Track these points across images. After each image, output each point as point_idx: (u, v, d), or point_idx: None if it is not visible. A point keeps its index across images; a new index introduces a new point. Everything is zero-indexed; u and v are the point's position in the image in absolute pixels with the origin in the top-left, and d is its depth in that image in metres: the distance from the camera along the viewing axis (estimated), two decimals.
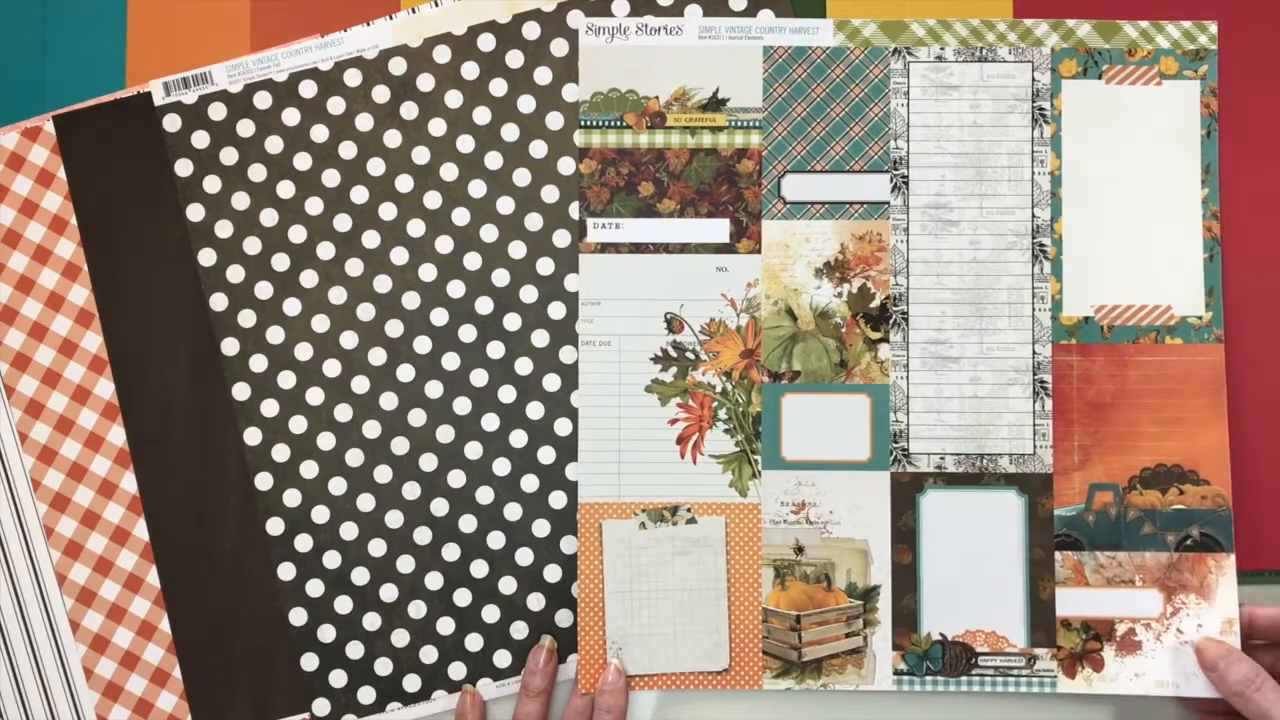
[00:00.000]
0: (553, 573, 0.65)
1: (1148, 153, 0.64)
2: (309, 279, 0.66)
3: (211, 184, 0.66)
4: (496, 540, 0.65)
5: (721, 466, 0.64)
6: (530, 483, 0.65)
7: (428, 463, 0.65)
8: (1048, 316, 0.64)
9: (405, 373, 0.65)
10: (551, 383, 0.65)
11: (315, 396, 0.65)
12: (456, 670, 0.65)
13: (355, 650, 0.65)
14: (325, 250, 0.66)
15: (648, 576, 0.63)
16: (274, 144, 0.66)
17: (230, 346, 0.65)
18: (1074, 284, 0.64)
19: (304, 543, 0.65)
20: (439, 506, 0.65)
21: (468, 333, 0.65)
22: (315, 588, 0.65)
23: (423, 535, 0.65)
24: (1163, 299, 0.64)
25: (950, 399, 0.64)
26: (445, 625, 0.65)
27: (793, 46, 0.64)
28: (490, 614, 0.65)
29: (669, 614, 0.63)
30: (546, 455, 0.65)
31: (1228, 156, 0.64)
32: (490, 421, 0.65)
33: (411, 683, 0.65)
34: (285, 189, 0.66)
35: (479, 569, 0.65)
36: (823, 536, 0.63)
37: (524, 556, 0.65)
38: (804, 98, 0.64)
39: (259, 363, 0.65)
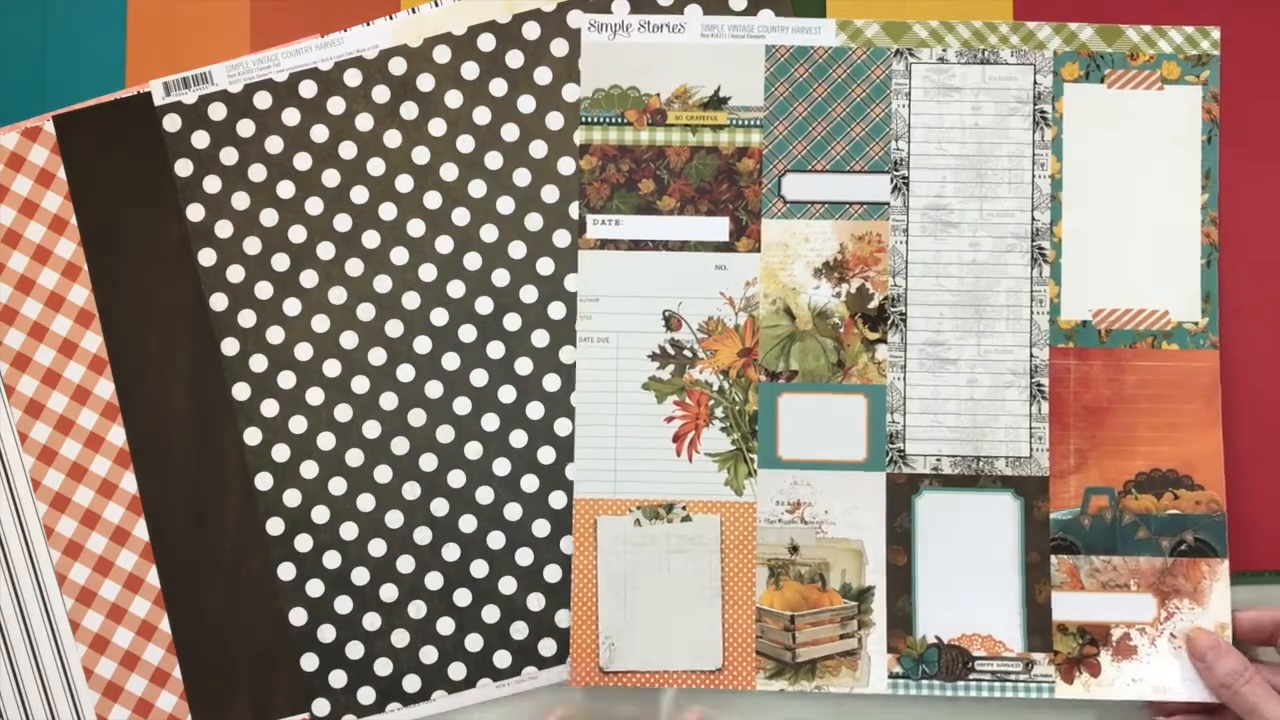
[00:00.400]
0: (553, 573, 0.65)
1: (1148, 157, 0.64)
2: (309, 279, 0.66)
3: (211, 184, 0.66)
4: (496, 540, 0.65)
5: (717, 465, 0.64)
6: (530, 483, 0.65)
7: (428, 463, 0.65)
8: (1046, 319, 0.64)
9: (405, 373, 0.65)
10: (551, 383, 0.65)
11: (315, 396, 0.65)
12: (456, 670, 0.65)
13: (355, 650, 0.65)
14: (325, 250, 0.66)
15: (642, 574, 0.63)
16: (274, 144, 0.66)
17: (230, 346, 0.65)
18: (1072, 287, 0.64)
19: (304, 543, 0.65)
20: (439, 506, 0.65)
21: (468, 333, 0.65)
22: (315, 588, 0.65)
23: (423, 535, 0.65)
24: (1160, 304, 0.64)
25: (947, 400, 0.63)
26: (445, 625, 0.65)
27: (795, 46, 0.64)
28: (490, 614, 0.65)
29: (663, 612, 0.63)
30: (546, 455, 0.65)
31: (1228, 162, 0.64)
32: (490, 421, 0.65)
33: (411, 683, 0.65)
34: (285, 189, 0.66)
35: (479, 569, 0.65)
36: (818, 536, 0.63)
37: (524, 556, 0.65)
38: (805, 97, 0.64)
39: (259, 363, 0.65)
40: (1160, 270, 0.64)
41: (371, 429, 0.65)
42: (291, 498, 0.65)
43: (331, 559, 0.65)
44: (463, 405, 0.65)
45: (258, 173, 0.66)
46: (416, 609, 0.65)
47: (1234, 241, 0.65)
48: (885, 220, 0.64)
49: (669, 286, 0.64)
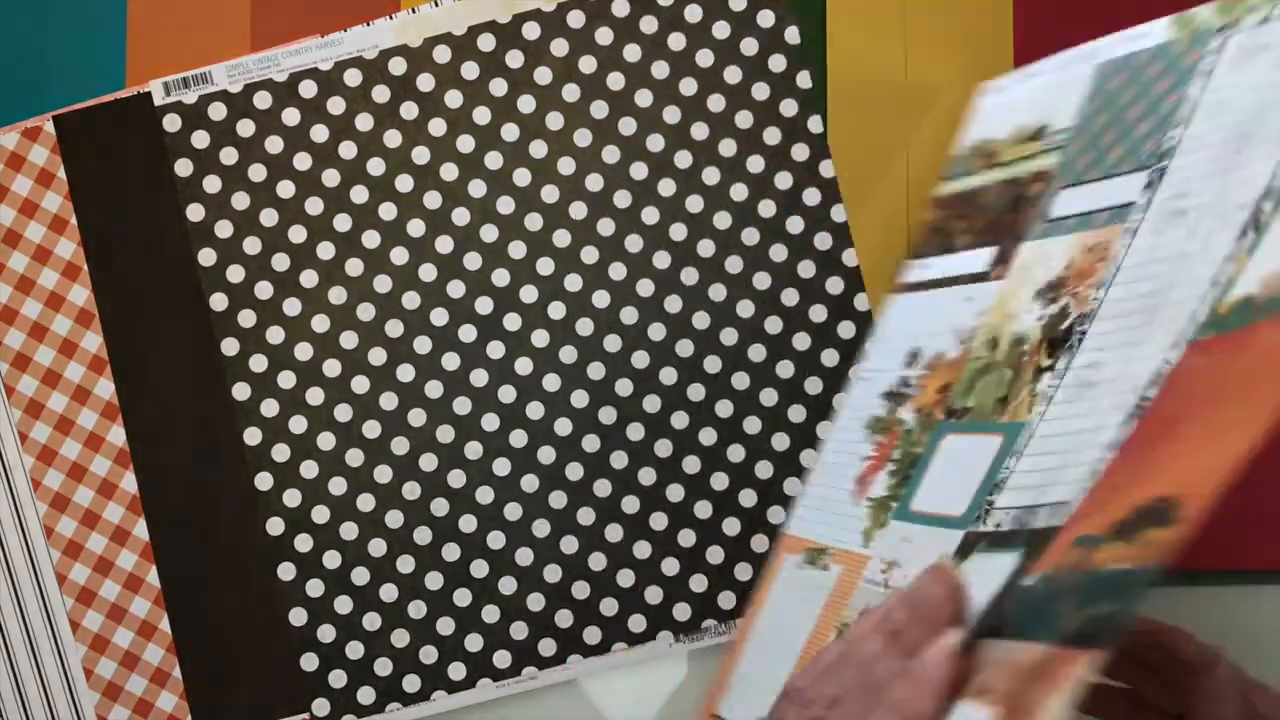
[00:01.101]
0: (552, 573, 0.65)
1: None
2: (309, 279, 0.66)
3: (211, 184, 0.66)
4: (496, 540, 0.65)
5: (869, 512, 0.54)
6: (530, 483, 0.65)
7: (428, 463, 0.65)
8: (1207, 309, 0.43)
9: (405, 373, 0.65)
10: (552, 382, 0.65)
11: (315, 396, 0.65)
12: (456, 670, 0.65)
13: (355, 650, 0.65)
14: (325, 250, 0.66)
15: (777, 621, 0.56)
16: (274, 144, 0.66)
17: (230, 346, 0.65)
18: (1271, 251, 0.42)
19: (304, 543, 0.65)
20: (439, 506, 0.65)
21: (468, 333, 0.65)
22: (315, 588, 0.65)
23: (423, 535, 0.65)
24: None
25: (1080, 433, 0.46)
26: (445, 625, 0.65)
27: (1120, 55, 0.53)
28: (490, 614, 0.65)
29: (760, 665, 0.55)
30: (546, 455, 0.65)
31: None
32: (490, 421, 0.65)
33: (411, 683, 0.65)
34: (285, 189, 0.66)
35: (479, 569, 0.65)
36: None
37: (524, 556, 0.65)
38: (1111, 107, 0.53)
39: (259, 363, 0.65)
40: None
41: (371, 429, 0.65)
42: (291, 498, 0.65)
43: (331, 559, 0.65)
44: (463, 405, 0.65)
45: (258, 173, 0.66)
46: (416, 609, 0.65)
47: None
48: (1121, 224, 0.49)
49: (923, 322, 0.56)
